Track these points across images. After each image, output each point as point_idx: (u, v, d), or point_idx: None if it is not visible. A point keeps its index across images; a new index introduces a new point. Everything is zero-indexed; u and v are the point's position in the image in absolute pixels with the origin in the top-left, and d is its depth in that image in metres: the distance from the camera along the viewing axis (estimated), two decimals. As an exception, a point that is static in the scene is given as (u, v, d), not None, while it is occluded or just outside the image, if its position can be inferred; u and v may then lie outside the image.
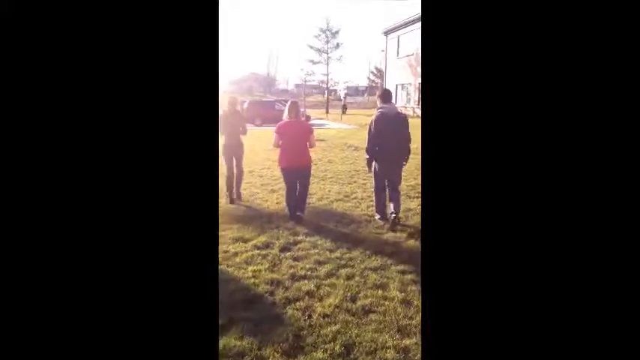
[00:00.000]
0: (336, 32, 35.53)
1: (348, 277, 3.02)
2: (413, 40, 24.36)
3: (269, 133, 14.22)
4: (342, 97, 33.08)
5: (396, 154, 4.24)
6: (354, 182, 6.38)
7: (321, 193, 5.70)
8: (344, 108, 29.15)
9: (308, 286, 2.87)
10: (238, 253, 3.45)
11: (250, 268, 3.17)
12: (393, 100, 4.61)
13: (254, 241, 3.73)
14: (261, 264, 3.26)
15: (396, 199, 4.25)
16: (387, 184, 4.33)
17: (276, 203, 5.09)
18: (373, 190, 4.53)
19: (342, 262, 3.30)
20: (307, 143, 4.37)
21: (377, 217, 4.43)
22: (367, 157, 4.34)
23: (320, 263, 3.27)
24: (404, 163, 4.36)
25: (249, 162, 7.74)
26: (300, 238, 3.84)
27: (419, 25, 23.27)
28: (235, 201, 5.13)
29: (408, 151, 4.31)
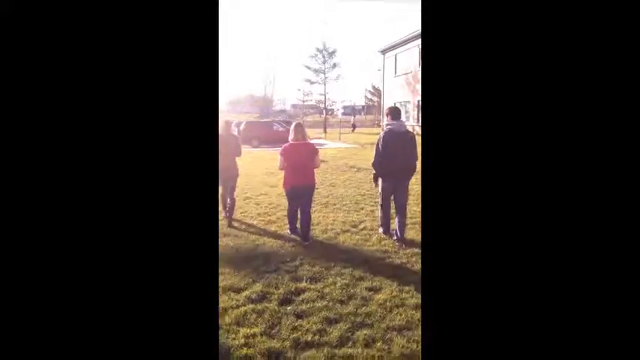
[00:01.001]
0: (333, 52, 35.47)
1: (367, 344, 2.36)
2: (410, 58, 24.10)
3: (266, 154, 13.58)
4: (351, 117, 33.70)
5: (402, 171, 4.25)
6: (361, 209, 5.74)
7: (325, 222, 5.06)
8: (353, 127, 29.24)
9: (317, 359, 2.21)
10: (228, 310, 2.79)
11: (242, 331, 2.51)
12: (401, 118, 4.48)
13: (248, 292, 3.07)
14: (256, 325, 2.60)
15: (400, 221, 4.25)
16: (392, 199, 4.35)
17: (275, 238, 4.44)
18: (379, 205, 4.54)
19: (358, 319, 2.64)
20: (312, 164, 4.32)
21: (380, 230, 4.53)
22: (374, 172, 4.38)
23: (330, 322, 2.62)
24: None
25: (245, 187, 7.14)
26: (303, 284, 3.19)
27: (415, 43, 23.13)
28: (227, 226, 4.85)
29: (414, 169, 4.31)
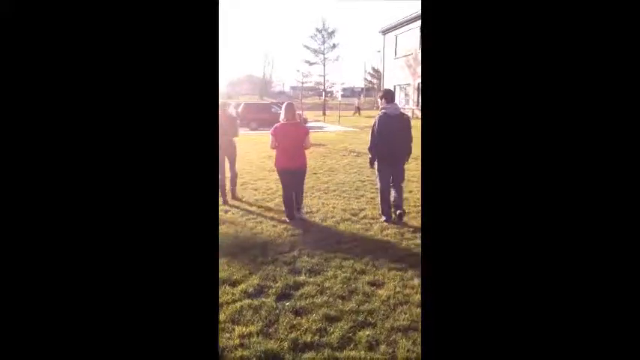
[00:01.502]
0: (333, 32, 34.82)
1: (371, 346, 2.21)
2: (411, 39, 23.62)
3: (264, 137, 13.45)
4: (355, 99, 33.24)
5: (398, 154, 4.30)
6: (362, 196, 5.58)
7: (324, 210, 4.91)
8: (357, 109, 28.81)
9: (317, 363, 2.08)
10: (223, 305, 2.64)
11: (237, 330, 2.37)
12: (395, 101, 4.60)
13: (244, 285, 2.93)
14: (253, 323, 2.45)
15: (398, 192, 4.33)
16: (391, 181, 4.36)
17: (273, 226, 4.29)
18: (378, 191, 4.54)
19: (360, 317, 2.50)
20: (303, 145, 4.41)
21: (382, 218, 4.42)
22: (370, 155, 4.39)
23: (330, 320, 2.47)
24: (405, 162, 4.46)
25: (243, 171, 6.95)
26: (302, 278, 3.04)
27: (417, 23, 22.60)
28: (232, 201, 5.22)
29: (410, 151, 4.38)
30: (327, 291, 2.84)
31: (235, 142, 5.40)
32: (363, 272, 3.14)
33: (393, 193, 4.34)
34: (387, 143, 4.19)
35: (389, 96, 4.36)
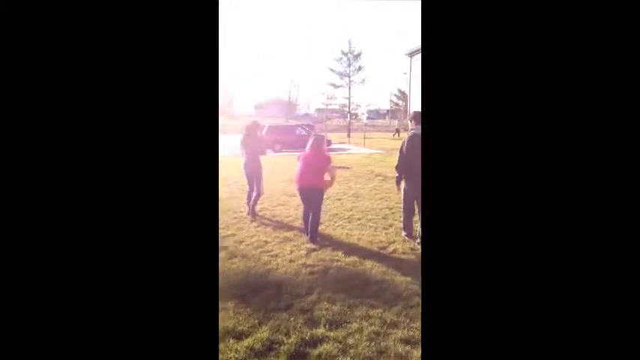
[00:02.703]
0: (358, 55, 34.90)
1: None
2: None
3: (287, 160, 13.04)
4: (395, 121, 33.07)
5: None
6: (390, 226, 5.05)
7: (348, 242, 4.41)
8: (397, 131, 28.56)
9: None
10: (223, 367, 2.17)
11: (238, 404, 1.88)
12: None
13: (252, 338, 2.44)
14: (257, 394, 1.96)
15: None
16: (416, 204, 4.34)
17: (290, 261, 3.82)
18: (401, 208, 4.54)
19: (392, 392, 1.97)
20: (324, 172, 4.48)
21: (403, 233, 4.48)
22: (397, 174, 4.41)
23: (355, 395, 1.96)
24: None
25: (262, 196, 6.57)
26: (320, 331, 2.53)
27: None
28: (250, 216, 5.43)
29: None
30: (351, 350, 2.32)
31: (260, 161, 5.64)
32: (394, 325, 2.61)
33: (420, 219, 4.28)
34: (414, 163, 4.12)
35: (418, 118, 4.28)
